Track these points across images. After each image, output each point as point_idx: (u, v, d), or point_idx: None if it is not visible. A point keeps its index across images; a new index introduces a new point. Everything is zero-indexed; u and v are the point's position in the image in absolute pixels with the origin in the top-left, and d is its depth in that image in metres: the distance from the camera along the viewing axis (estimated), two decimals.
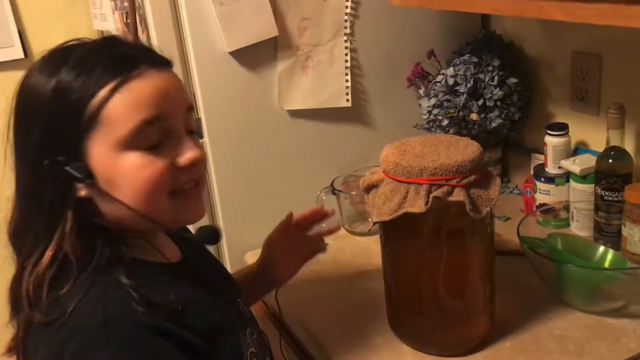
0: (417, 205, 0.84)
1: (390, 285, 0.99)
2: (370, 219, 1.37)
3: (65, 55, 0.70)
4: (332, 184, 1.38)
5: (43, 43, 2.09)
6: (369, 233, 1.39)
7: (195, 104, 1.26)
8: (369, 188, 0.94)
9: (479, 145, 0.90)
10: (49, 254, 0.68)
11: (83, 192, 0.70)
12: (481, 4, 1.01)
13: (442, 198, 0.84)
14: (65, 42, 0.73)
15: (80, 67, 0.68)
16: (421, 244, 0.91)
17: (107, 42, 0.74)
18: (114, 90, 0.67)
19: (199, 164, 0.74)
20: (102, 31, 1.67)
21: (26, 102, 0.70)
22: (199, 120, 1.26)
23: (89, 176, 0.69)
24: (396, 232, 0.93)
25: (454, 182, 0.84)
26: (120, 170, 0.69)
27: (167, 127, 0.71)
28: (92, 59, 0.69)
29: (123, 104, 0.68)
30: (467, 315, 0.95)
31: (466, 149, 0.88)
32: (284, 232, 1.10)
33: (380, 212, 0.89)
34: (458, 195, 0.84)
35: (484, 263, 0.93)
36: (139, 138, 0.69)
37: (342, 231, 1.42)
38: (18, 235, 0.73)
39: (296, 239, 1.10)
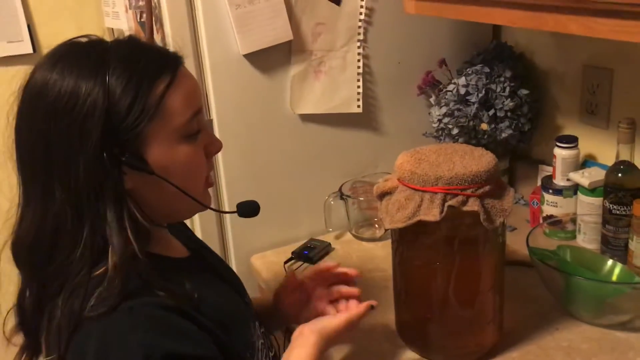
0: (431, 213, 0.85)
1: (400, 292, 1.00)
2: (382, 225, 1.39)
3: (100, 56, 0.70)
4: (340, 189, 1.38)
5: (52, 39, 2.08)
6: (376, 239, 1.39)
7: (208, 105, 1.26)
8: (383, 195, 0.94)
9: (494, 156, 0.90)
10: (115, 237, 0.69)
11: (130, 185, 0.72)
12: (498, 15, 1.02)
13: (457, 207, 0.84)
14: (75, 40, 0.73)
15: (130, 67, 0.70)
16: (433, 252, 0.91)
17: (139, 42, 0.76)
18: (168, 86, 0.72)
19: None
20: (112, 29, 1.67)
21: (73, 107, 0.68)
22: (210, 121, 1.26)
23: (147, 165, 0.72)
24: (409, 239, 0.93)
25: (469, 191, 0.85)
26: (177, 159, 0.74)
27: (202, 119, 0.78)
28: (138, 57, 0.72)
29: (178, 98, 0.73)
30: (476, 325, 0.95)
31: (481, 159, 0.89)
32: (289, 288, 1.01)
33: (394, 219, 0.89)
34: (473, 205, 0.85)
35: (494, 273, 0.94)
36: (189, 129, 0.75)
37: (349, 236, 1.42)
38: (39, 244, 0.71)
39: (306, 293, 0.99)
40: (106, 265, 0.68)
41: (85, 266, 0.69)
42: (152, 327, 0.66)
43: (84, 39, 0.74)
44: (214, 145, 0.80)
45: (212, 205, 0.84)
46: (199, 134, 0.76)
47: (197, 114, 0.76)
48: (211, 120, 1.26)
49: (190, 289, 0.74)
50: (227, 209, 1.33)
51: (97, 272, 0.69)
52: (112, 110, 0.68)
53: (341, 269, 0.99)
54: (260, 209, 0.92)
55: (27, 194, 0.73)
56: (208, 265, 0.90)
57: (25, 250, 0.72)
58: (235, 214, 0.91)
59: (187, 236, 0.93)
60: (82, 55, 0.71)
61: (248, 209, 0.91)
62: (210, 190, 0.84)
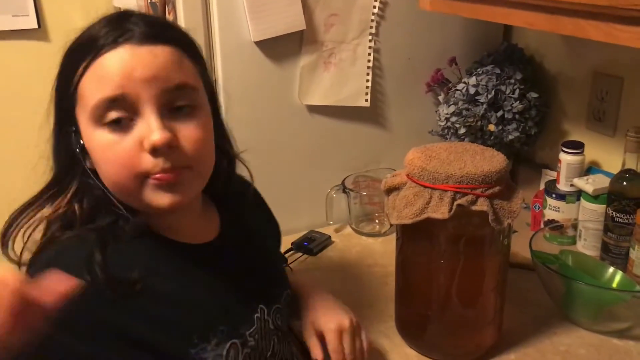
0: (440, 211, 0.85)
1: (402, 289, 1.00)
2: (385, 221, 1.39)
3: (88, 27, 0.73)
4: (343, 183, 1.38)
5: (57, 15, 2.06)
6: (376, 234, 1.39)
7: (216, 90, 1.25)
8: (391, 190, 0.94)
9: (504, 157, 0.90)
10: (53, 210, 0.73)
11: (89, 163, 0.74)
12: (515, 16, 1.01)
13: (466, 206, 0.84)
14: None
15: (80, 39, 0.72)
16: (439, 250, 0.91)
17: (114, 16, 0.73)
18: (87, 66, 0.70)
19: (170, 148, 0.69)
20: (120, 8, 1.66)
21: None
22: (218, 107, 1.25)
23: (83, 151, 0.73)
24: (414, 236, 0.93)
25: (479, 191, 0.85)
26: (94, 147, 0.71)
27: (133, 106, 0.69)
28: (91, 32, 0.72)
29: (90, 80, 0.70)
30: (477, 325, 0.95)
31: (492, 160, 0.88)
32: None
33: (401, 215, 0.89)
34: (482, 205, 0.84)
35: (498, 274, 0.94)
36: (104, 116, 0.69)
37: (349, 230, 1.42)
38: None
39: None
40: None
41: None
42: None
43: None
44: (147, 140, 0.68)
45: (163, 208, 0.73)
46: (129, 125, 0.69)
47: (114, 100, 0.68)
48: (219, 107, 1.25)
49: (136, 277, 0.69)
50: None
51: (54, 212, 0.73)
52: (60, 85, 0.73)
53: None
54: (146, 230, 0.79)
55: None
56: (217, 257, 0.81)
57: None
58: None
59: (235, 220, 0.87)
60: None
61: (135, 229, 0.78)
62: None
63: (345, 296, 1.14)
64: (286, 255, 1.29)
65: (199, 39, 1.19)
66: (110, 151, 0.69)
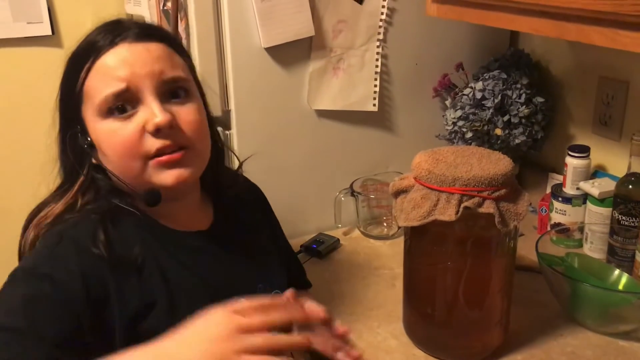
0: (447, 213, 0.86)
1: (410, 290, 1.01)
2: (393, 223, 1.40)
3: (88, 34, 0.81)
4: (351, 186, 1.40)
5: (71, 22, 2.09)
6: (384, 236, 1.41)
7: (227, 95, 1.28)
8: (398, 192, 0.95)
9: (510, 160, 0.92)
10: (64, 201, 0.81)
11: (94, 160, 0.82)
12: (520, 22, 1.03)
13: (473, 209, 0.86)
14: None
15: (81, 45, 0.80)
16: (446, 252, 0.92)
17: (110, 23, 0.81)
18: (90, 67, 0.77)
19: (171, 128, 0.77)
20: (132, 15, 1.69)
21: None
22: (228, 112, 1.28)
23: (91, 146, 0.80)
24: (422, 238, 0.95)
25: (485, 194, 0.86)
26: (101, 137, 0.78)
27: (136, 96, 0.77)
28: (82, 43, 0.80)
29: (94, 79, 0.77)
30: (484, 326, 0.97)
31: (499, 163, 0.90)
32: None
33: (409, 218, 0.90)
34: (488, 207, 0.86)
35: (504, 276, 0.95)
36: (110, 107, 0.77)
37: (357, 233, 1.44)
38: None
39: None
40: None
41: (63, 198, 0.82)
42: (52, 255, 0.74)
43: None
44: (150, 123, 0.76)
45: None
46: (132, 113, 0.77)
47: (120, 92, 0.76)
48: (229, 111, 1.28)
49: (136, 254, 0.78)
50: None
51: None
52: (64, 92, 0.81)
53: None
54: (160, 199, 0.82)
55: None
56: (211, 245, 0.87)
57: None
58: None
59: (227, 216, 0.92)
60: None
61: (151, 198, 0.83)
62: None
63: (353, 298, 1.17)
64: None
65: (211, 45, 1.23)
66: (116, 137, 0.77)
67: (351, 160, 1.43)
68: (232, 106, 1.28)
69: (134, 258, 0.78)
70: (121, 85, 0.76)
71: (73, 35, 0.81)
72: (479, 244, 0.91)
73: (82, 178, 0.81)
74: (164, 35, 0.83)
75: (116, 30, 0.78)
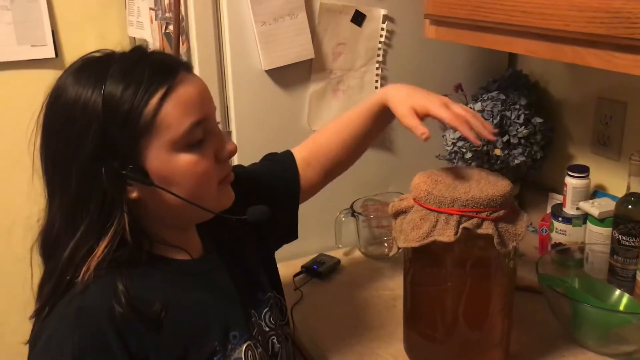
0: (446, 234, 0.86)
1: (410, 311, 1.01)
2: (393, 244, 1.40)
3: (104, 67, 0.73)
4: (352, 206, 1.40)
5: (74, 45, 2.10)
6: (384, 257, 1.41)
7: (228, 117, 1.29)
8: (398, 213, 0.96)
9: (509, 181, 0.92)
10: (102, 246, 0.72)
11: (134, 194, 0.75)
12: (517, 44, 1.04)
13: (472, 229, 0.86)
14: (93, 53, 0.76)
15: (127, 78, 0.72)
16: (445, 273, 0.93)
17: (141, 52, 0.77)
18: (164, 97, 0.73)
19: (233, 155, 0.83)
20: (134, 38, 1.71)
21: (73, 115, 0.72)
22: (229, 133, 1.29)
23: (147, 177, 0.74)
24: (422, 259, 0.95)
25: (484, 215, 0.87)
26: (177, 169, 0.75)
27: (209, 126, 0.78)
28: (136, 69, 0.73)
29: (174, 109, 0.73)
30: (484, 347, 0.96)
31: (497, 184, 0.91)
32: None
33: (408, 238, 0.91)
34: (487, 228, 0.86)
35: (504, 296, 0.95)
36: (189, 138, 0.75)
37: (358, 253, 1.44)
38: (54, 241, 0.75)
39: None
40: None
41: (70, 269, 0.73)
42: (86, 337, 0.68)
43: (97, 54, 0.76)
44: (225, 150, 0.80)
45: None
46: (203, 142, 0.76)
47: (199, 122, 0.75)
48: (230, 132, 1.29)
49: (158, 309, 0.74)
50: None
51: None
52: (108, 123, 0.71)
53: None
54: (270, 214, 0.87)
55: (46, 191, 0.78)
56: (210, 269, 0.87)
57: (40, 244, 0.78)
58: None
59: (216, 235, 0.91)
60: (87, 67, 0.74)
61: (257, 213, 0.87)
62: None
63: (354, 319, 1.17)
64: (296, 279, 1.32)
65: (212, 68, 1.25)
66: (197, 168, 0.76)
67: (351, 181, 1.43)
68: (232, 128, 1.29)
69: (157, 312, 0.74)
70: (200, 115, 0.75)
71: (76, 58, 0.78)
72: (479, 265, 0.92)
73: (125, 216, 0.73)
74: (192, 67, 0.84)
75: (170, 63, 0.76)
